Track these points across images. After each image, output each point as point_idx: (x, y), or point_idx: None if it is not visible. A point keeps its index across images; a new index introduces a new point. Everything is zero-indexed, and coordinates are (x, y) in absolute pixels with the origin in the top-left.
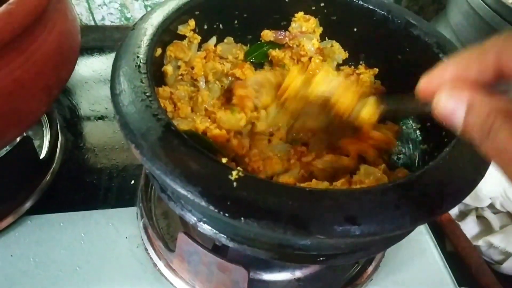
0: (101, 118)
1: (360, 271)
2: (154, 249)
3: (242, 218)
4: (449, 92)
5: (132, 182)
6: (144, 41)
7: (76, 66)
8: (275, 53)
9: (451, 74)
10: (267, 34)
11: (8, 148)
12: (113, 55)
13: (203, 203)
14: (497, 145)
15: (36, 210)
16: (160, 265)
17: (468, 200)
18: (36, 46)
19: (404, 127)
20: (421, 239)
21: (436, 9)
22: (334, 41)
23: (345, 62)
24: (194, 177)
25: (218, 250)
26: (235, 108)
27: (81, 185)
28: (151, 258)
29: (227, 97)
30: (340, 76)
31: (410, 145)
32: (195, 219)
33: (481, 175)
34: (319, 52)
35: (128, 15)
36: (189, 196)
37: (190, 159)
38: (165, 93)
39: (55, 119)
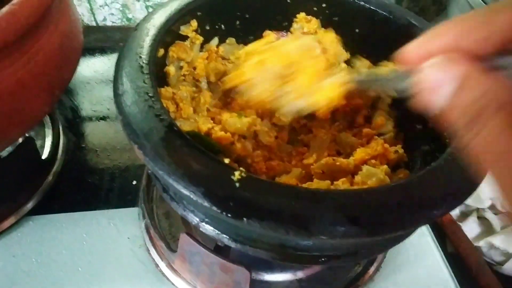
0: (103, 118)
1: (361, 272)
2: (156, 249)
3: (244, 219)
4: (441, 61)
5: (134, 182)
6: (147, 41)
7: (78, 66)
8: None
9: (446, 41)
10: (269, 35)
11: (10, 148)
12: (114, 55)
13: (206, 204)
14: (484, 135)
15: (38, 210)
16: (162, 265)
17: (469, 201)
18: (39, 47)
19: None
20: (422, 240)
21: (437, 10)
22: None
23: (347, 63)
24: (197, 177)
25: (220, 250)
26: (241, 112)
27: (83, 185)
28: (153, 258)
29: (225, 99)
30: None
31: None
32: (198, 219)
33: (482, 176)
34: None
35: (130, 16)
36: (191, 196)
37: (193, 159)
38: (167, 93)
39: (57, 120)
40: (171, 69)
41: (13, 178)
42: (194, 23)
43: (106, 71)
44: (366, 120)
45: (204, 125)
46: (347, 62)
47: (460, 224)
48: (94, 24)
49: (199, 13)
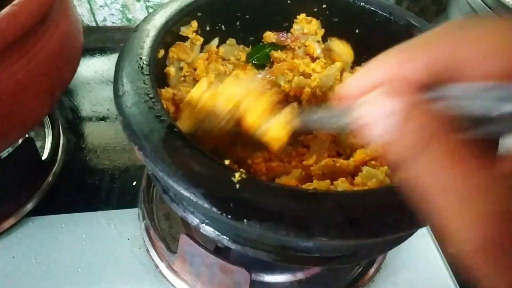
0: (103, 119)
1: (361, 273)
2: (156, 250)
3: (244, 220)
4: (378, 95)
5: (134, 183)
6: (147, 42)
7: (78, 67)
8: (277, 54)
9: (385, 72)
10: (269, 36)
11: (10, 149)
12: (114, 56)
13: (206, 205)
14: (421, 168)
15: (38, 211)
16: (162, 266)
17: None
18: (39, 48)
19: None
20: (422, 241)
21: (437, 10)
22: None
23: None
24: (197, 178)
25: (220, 252)
26: None
27: (83, 186)
28: (152, 259)
29: None
30: (254, 81)
31: None
32: (198, 220)
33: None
34: (324, 53)
35: (130, 16)
36: (192, 197)
37: (193, 160)
38: (167, 94)
39: (57, 120)
40: (171, 70)
41: (13, 179)
42: (194, 24)
43: (106, 72)
44: None
45: None
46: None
47: None
48: (94, 24)
49: (199, 14)
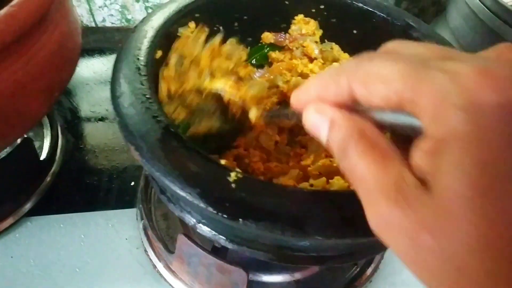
0: (102, 119)
1: (359, 273)
2: (153, 250)
3: (240, 220)
4: (312, 109)
5: (132, 183)
6: (145, 43)
7: (77, 67)
8: (275, 55)
9: (313, 93)
10: (268, 37)
11: (8, 149)
12: (113, 56)
13: (202, 205)
14: (348, 165)
15: (36, 211)
16: (160, 266)
17: None
18: (38, 48)
19: None
20: None
21: (436, 11)
22: (334, 44)
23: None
24: (193, 178)
25: (217, 251)
26: None
27: (81, 186)
28: (150, 259)
29: None
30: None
31: None
32: (194, 220)
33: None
34: (322, 54)
35: (129, 17)
36: (187, 197)
37: (189, 160)
38: (169, 73)
39: (55, 121)
40: (172, 59)
41: (12, 179)
42: (192, 25)
43: (105, 72)
44: None
45: None
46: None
47: None
48: (93, 25)
49: (197, 15)
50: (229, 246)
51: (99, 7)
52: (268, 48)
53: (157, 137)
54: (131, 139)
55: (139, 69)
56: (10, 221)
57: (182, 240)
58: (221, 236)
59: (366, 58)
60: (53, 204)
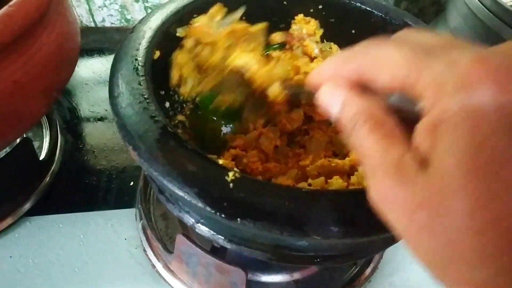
0: (101, 119)
1: (358, 273)
2: (152, 250)
3: (238, 219)
4: (327, 88)
5: (131, 183)
6: (143, 44)
7: (76, 67)
8: (275, 54)
9: (331, 71)
10: (276, 37)
11: (7, 149)
12: (113, 56)
13: (200, 204)
14: (356, 141)
15: (36, 211)
16: (159, 266)
17: None
18: (37, 48)
19: None
20: None
21: (435, 11)
22: (333, 43)
23: None
24: (191, 178)
25: (216, 251)
26: None
27: (81, 186)
28: (149, 259)
29: None
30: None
31: None
32: (193, 220)
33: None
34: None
35: (128, 17)
36: (186, 197)
37: (187, 160)
38: (183, 59)
39: (55, 121)
40: (189, 42)
41: (11, 179)
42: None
43: (104, 72)
44: None
45: None
46: None
47: None
48: (92, 25)
49: (195, 15)
50: (228, 246)
51: (99, 7)
52: (278, 47)
53: (155, 137)
54: (129, 139)
55: (137, 69)
56: (9, 221)
57: (181, 240)
58: (219, 236)
59: (376, 44)
60: (52, 204)
